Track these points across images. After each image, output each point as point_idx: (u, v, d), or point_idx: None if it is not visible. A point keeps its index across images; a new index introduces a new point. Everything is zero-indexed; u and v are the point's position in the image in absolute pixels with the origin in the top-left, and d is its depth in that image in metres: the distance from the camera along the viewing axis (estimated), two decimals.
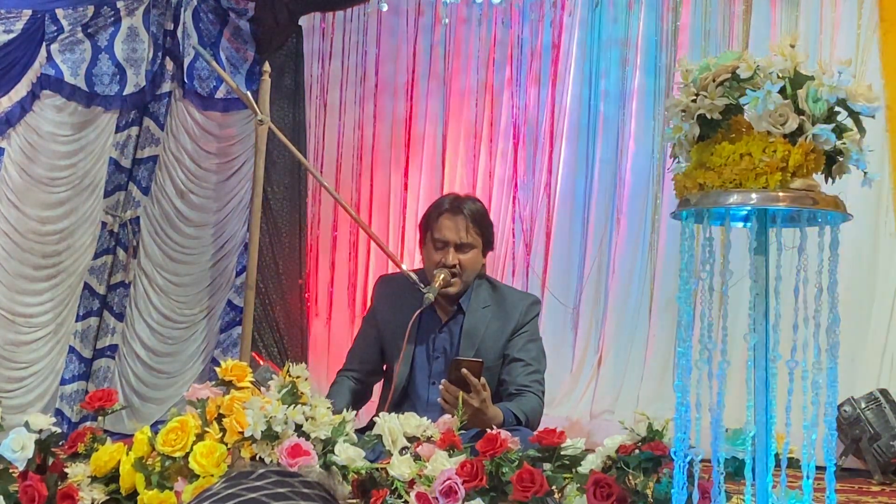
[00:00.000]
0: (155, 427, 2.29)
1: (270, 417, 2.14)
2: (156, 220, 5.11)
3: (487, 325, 3.06)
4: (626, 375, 5.15)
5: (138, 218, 5.09)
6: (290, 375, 2.29)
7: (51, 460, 2.34)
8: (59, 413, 4.79)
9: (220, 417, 2.19)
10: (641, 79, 5.29)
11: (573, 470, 2.17)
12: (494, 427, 2.30)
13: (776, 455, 1.75)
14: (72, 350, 4.95)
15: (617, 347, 5.21)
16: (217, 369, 2.34)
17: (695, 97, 1.73)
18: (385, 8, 5.44)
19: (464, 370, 2.64)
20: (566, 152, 5.41)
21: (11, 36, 4.60)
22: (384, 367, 3.19)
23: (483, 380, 2.68)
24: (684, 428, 1.74)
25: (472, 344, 3.03)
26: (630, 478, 2.06)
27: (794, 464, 1.82)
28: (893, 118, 4.48)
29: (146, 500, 2.16)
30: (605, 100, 5.37)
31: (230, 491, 0.94)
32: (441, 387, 2.69)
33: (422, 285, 3.01)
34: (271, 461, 2.10)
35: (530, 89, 5.50)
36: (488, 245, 3.12)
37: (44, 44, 4.69)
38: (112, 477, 2.28)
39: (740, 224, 1.81)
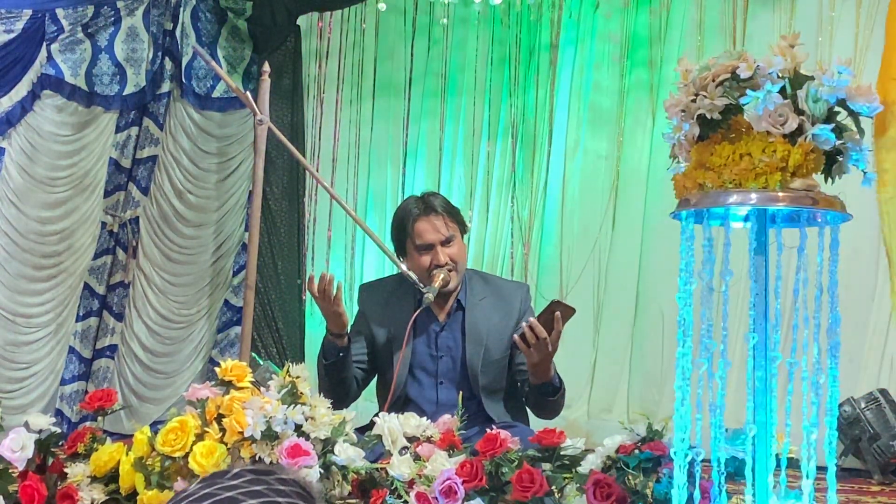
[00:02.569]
0: (154, 427, 2.29)
1: (270, 417, 2.14)
2: (155, 221, 5.11)
3: (489, 319, 3.07)
4: (623, 375, 5.15)
5: (138, 218, 5.09)
6: (289, 375, 2.29)
7: (51, 460, 2.34)
8: (58, 413, 4.80)
9: (219, 417, 2.18)
10: (640, 77, 5.29)
11: (573, 470, 2.17)
12: (494, 427, 2.30)
13: (776, 455, 1.75)
14: (72, 350, 4.95)
15: (614, 347, 5.21)
16: (217, 369, 2.34)
17: (694, 97, 1.72)
18: (384, 7, 5.43)
19: (557, 313, 2.71)
20: (564, 151, 5.41)
21: (12, 36, 4.60)
22: (374, 370, 3.18)
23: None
24: (684, 428, 1.74)
25: (478, 339, 3.03)
26: (630, 478, 2.06)
27: (793, 464, 1.82)
28: None
29: (146, 500, 2.15)
30: (603, 99, 5.36)
31: (206, 491, 0.94)
32: (527, 324, 2.74)
33: (422, 286, 3.00)
34: (271, 461, 2.10)
35: (528, 88, 5.49)
36: (464, 229, 3.17)
37: (44, 43, 4.69)
38: (112, 477, 2.28)
39: (740, 224, 1.81)
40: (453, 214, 3.09)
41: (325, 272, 2.95)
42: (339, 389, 2.99)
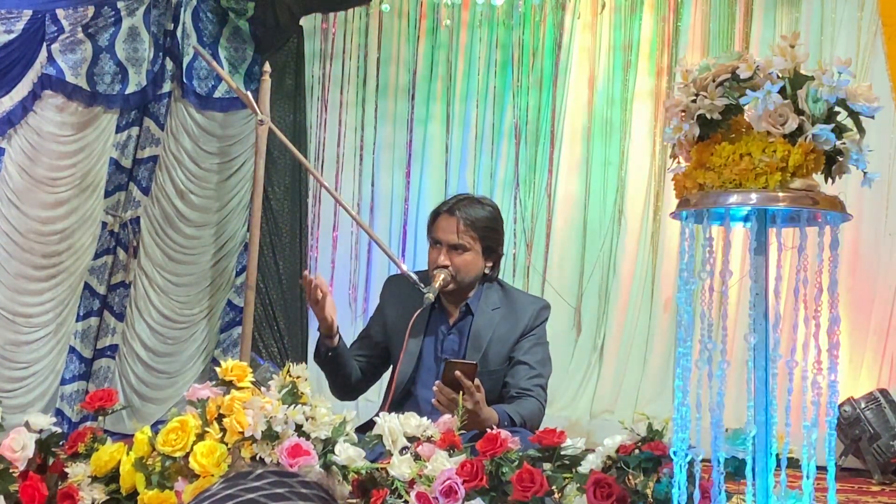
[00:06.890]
0: (155, 427, 2.29)
1: (270, 417, 2.14)
2: (156, 220, 5.11)
3: (496, 328, 3.04)
4: (626, 375, 5.15)
5: (138, 218, 5.10)
6: (290, 375, 2.29)
7: (51, 460, 2.34)
8: (59, 413, 4.79)
9: (220, 417, 2.19)
10: (643, 80, 5.30)
11: (573, 470, 2.17)
12: (494, 427, 2.30)
13: (776, 455, 1.75)
14: (72, 350, 4.95)
15: (617, 347, 5.21)
16: (217, 369, 2.34)
17: (695, 97, 1.73)
18: (387, 9, 5.44)
19: (457, 372, 2.64)
20: (567, 153, 5.41)
21: (12, 36, 4.60)
22: (384, 364, 3.19)
23: (477, 381, 2.67)
24: (684, 428, 1.74)
25: (480, 346, 3.02)
26: (630, 478, 2.06)
27: (794, 464, 1.82)
28: None
29: (146, 500, 2.15)
30: (606, 101, 5.37)
31: (228, 492, 0.94)
32: (435, 388, 2.69)
33: (422, 285, 3.01)
34: (271, 461, 2.10)
35: (532, 91, 5.50)
36: (490, 250, 3.07)
37: (44, 44, 4.69)
38: (112, 477, 2.28)
39: (740, 224, 1.81)
40: (478, 229, 3.02)
41: (307, 274, 2.95)
42: (338, 381, 3.09)
